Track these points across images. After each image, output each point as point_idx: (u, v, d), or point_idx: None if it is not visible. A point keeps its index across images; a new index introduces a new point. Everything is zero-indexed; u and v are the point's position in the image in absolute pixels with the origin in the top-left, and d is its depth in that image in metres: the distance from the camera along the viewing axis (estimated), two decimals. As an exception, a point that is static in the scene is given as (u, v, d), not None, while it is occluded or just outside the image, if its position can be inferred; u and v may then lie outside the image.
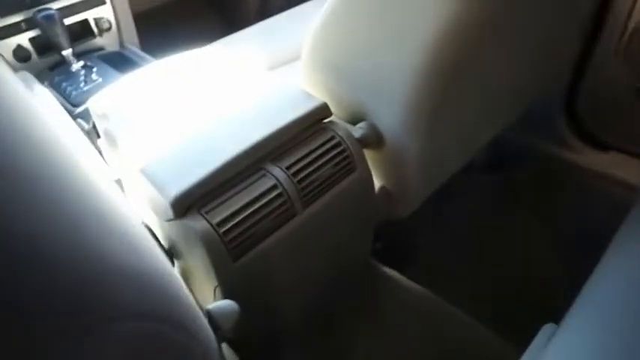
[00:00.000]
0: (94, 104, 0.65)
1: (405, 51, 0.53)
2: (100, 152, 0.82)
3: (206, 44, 1.20)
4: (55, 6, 1.02)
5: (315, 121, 0.59)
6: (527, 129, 0.99)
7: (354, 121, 0.67)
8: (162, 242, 0.59)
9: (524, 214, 1.04)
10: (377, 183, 0.69)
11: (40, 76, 1.01)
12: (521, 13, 0.57)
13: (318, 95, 0.69)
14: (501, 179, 1.10)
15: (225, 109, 0.60)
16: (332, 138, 0.58)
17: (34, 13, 0.97)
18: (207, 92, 0.64)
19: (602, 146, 0.98)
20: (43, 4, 1.00)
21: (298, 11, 1.22)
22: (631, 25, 0.81)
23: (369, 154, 0.64)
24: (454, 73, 0.56)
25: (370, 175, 0.63)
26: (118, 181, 0.73)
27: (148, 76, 0.68)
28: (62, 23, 0.96)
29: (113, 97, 0.65)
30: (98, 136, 0.82)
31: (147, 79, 0.68)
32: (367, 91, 0.62)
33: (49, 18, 0.94)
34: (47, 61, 1.04)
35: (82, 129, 0.84)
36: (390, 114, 0.61)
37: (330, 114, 0.61)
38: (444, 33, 0.50)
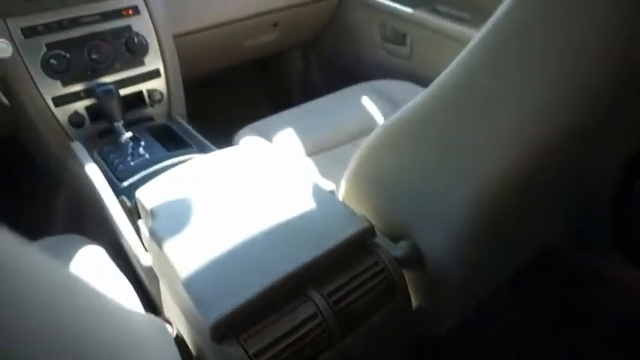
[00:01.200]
0: (142, 196, 0.67)
1: (463, 185, 0.53)
2: (138, 231, 0.84)
3: (250, 119, 1.24)
4: (113, 78, 1.07)
5: (359, 242, 0.59)
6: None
7: (393, 237, 0.66)
8: (192, 349, 0.58)
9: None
10: (414, 301, 0.67)
11: (90, 143, 1.05)
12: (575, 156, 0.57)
13: (359, 208, 0.69)
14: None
15: (269, 220, 0.60)
16: (376, 263, 0.58)
17: (94, 86, 1.02)
18: (253, 197, 0.65)
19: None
20: (104, 75, 1.06)
21: (339, 96, 1.25)
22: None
23: (407, 274, 0.63)
24: (507, 212, 0.55)
25: (409, 300, 0.61)
26: (150, 269, 0.74)
27: (196, 172, 0.70)
28: (118, 97, 1.01)
29: (161, 192, 0.67)
30: (139, 216, 0.83)
31: (194, 176, 0.69)
32: (415, 213, 0.61)
33: (108, 93, 0.99)
34: (98, 127, 1.09)
35: (124, 206, 0.86)
36: (437, 239, 0.60)
37: (374, 235, 0.61)
38: (504, 177, 0.50)
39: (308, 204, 0.63)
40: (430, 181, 0.56)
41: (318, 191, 0.66)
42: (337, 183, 0.93)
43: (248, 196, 0.65)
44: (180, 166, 0.72)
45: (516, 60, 0.45)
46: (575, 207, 0.76)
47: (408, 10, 1.29)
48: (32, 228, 1.30)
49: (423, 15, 1.26)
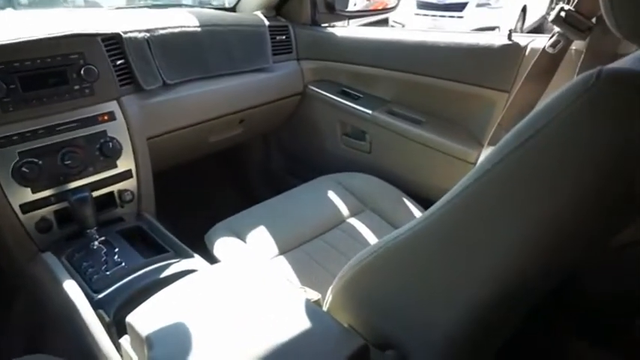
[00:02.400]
0: (135, 322, 0.67)
1: (453, 308, 0.58)
2: (118, 348, 0.82)
3: (215, 209, 1.26)
4: (85, 181, 1.07)
5: None
6: None
7: (378, 344, 0.70)
8: None
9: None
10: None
11: (58, 248, 1.02)
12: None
13: (346, 317, 0.73)
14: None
15: (266, 346, 0.62)
16: None
17: (68, 193, 1.02)
18: (247, 318, 0.67)
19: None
20: (76, 180, 1.06)
21: (305, 190, 1.31)
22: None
23: None
24: (490, 332, 0.61)
25: None
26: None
27: (187, 293, 0.71)
28: (93, 203, 1.01)
29: (154, 317, 0.67)
30: (118, 333, 0.82)
31: (186, 297, 0.70)
32: (403, 329, 0.66)
33: (83, 200, 0.99)
34: (66, 232, 1.07)
35: (103, 321, 0.84)
36: (425, 350, 0.64)
37: (368, 352, 0.64)
38: (489, 297, 0.56)
39: (300, 324, 0.66)
40: (421, 305, 0.62)
41: (307, 308, 0.69)
42: (313, 281, 0.97)
43: (241, 317, 0.67)
44: (171, 287, 0.73)
45: (498, 206, 0.52)
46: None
47: (367, 111, 1.42)
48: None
49: (381, 116, 1.39)
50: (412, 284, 0.62)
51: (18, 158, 0.98)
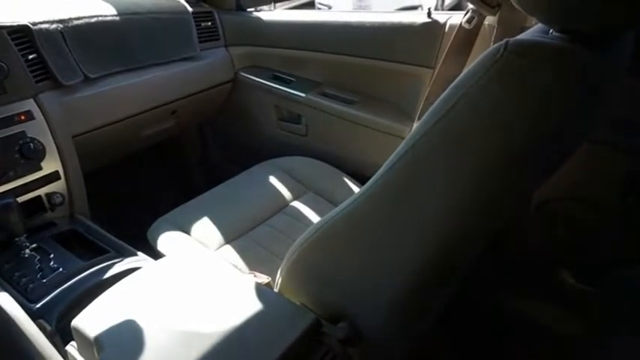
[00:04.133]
0: (81, 325, 0.65)
1: (396, 274, 0.62)
2: (65, 356, 0.79)
3: (155, 206, 1.23)
4: (7, 187, 1.00)
5: (309, 336, 0.65)
6: None
7: (330, 318, 0.73)
8: None
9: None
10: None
11: (-16, 261, 0.96)
12: None
13: (297, 297, 0.75)
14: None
15: (219, 332, 0.63)
16: (327, 352, 0.64)
17: None
18: (196, 309, 0.67)
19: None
20: (-4, 185, 0.99)
21: (246, 177, 1.31)
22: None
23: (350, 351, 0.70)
24: (435, 291, 0.66)
25: None
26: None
27: (132, 290, 0.70)
28: (19, 209, 0.95)
29: (100, 318, 0.65)
30: (64, 341, 0.79)
31: (132, 295, 0.69)
32: (353, 299, 0.69)
33: (7, 207, 0.93)
34: (-8, 241, 1.00)
35: (44, 331, 0.80)
36: (375, 321, 0.68)
37: (321, 326, 0.67)
38: (428, 260, 0.60)
39: (252, 307, 0.67)
40: (366, 273, 0.65)
41: (258, 291, 0.71)
42: (262, 266, 0.98)
43: (192, 309, 0.67)
44: (115, 286, 0.71)
45: (426, 176, 0.56)
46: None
47: (300, 94, 1.43)
48: None
49: (314, 98, 1.41)
50: (357, 256, 0.65)
51: None
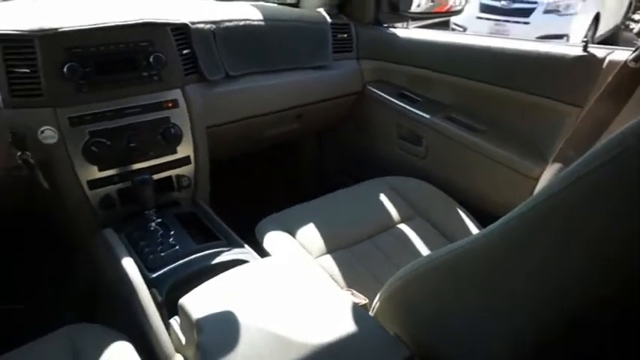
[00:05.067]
0: (187, 305, 0.69)
1: (510, 327, 0.56)
2: (167, 327, 0.85)
3: (266, 201, 1.27)
4: (147, 164, 1.12)
5: None
6: None
7: (425, 357, 0.68)
8: None
9: None
10: None
11: (118, 225, 1.07)
12: None
13: (392, 325, 0.72)
14: None
15: (313, 344, 0.62)
16: None
17: (130, 173, 1.07)
18: (295, 314, 0.67)
19: None
20: (138, 162, 1.11)
21: (357, 191, 1.31)
22: None
23: None
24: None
25: None
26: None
27: (239, 283, 0.73)
28: (153, 186, 1.05)
29: (206, 302, 0.69)
30: (169, 313, 0.84)
31: (238, 287, 0.72)
32: (454, 342, 0.64)
33: (144, 182, 1.03)
34: (126, 210, 1.12)
35: (155, 300, 0.87)
36: None
37: None
38: (549, 321, 0.53)
39: (347, 327, 0.66)
40: (474, 321, 0.60)
41: (354, 312, 0.69)
42: (359, 284, 0.96)
43: (289, 314, 0.67)
44: (223, 275, 0.75)
45: (555, 237, 0.49)
46: None
47: (425, 115, 1.39)
48: (43, 309, 1.30)
49: (439, 122, 1.36)
50: (467, 301, 0.60)
51: (88, 137, 1.03)
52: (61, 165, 1.02)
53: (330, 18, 1.49)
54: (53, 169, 1.02)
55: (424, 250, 1.10)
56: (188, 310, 0.68)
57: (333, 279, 1.00)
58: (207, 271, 0.89)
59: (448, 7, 1.89)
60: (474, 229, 1.15)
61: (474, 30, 5.63)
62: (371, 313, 0.76)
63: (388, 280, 0.73)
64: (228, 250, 0.99)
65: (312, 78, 1.43)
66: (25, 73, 0.97)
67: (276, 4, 1.57)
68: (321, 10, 1.52)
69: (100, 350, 0.78)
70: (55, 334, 0.81)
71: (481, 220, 1.18)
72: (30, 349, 0.79)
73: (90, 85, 1.02)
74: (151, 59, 1.09)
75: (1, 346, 0.81)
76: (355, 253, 1.09)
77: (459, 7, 1.71)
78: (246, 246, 1.03)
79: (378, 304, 0.75)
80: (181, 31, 1.18)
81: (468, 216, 1.20)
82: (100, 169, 1.06)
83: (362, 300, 0.78)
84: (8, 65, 0.95)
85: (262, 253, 1.05)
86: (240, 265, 0.92)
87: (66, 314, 1.25)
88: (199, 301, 0.69)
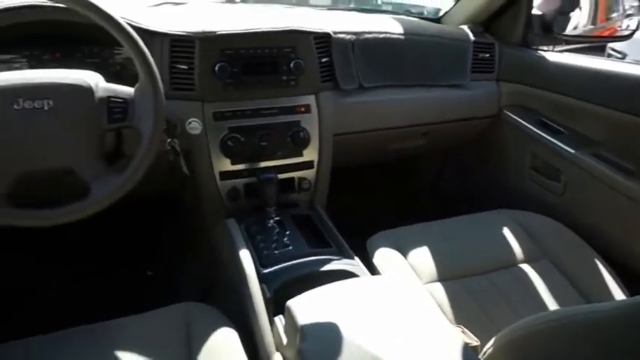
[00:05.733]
0: (294, 308, 0.70)
1: None
2: (271, 325, 0.87)
3: (378, 213, 1.25)
4: (273, 164, 1.17)
5: None
6: None
7: None
8: None
9: None
10: None
11: (240, 217, 1.14)
12: None
13: None
14: None
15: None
16: None
17: (257, 171, 1.13)
18: (399, 338, 0.65)
19: None
20: (266, 160, 1.17)
21: (476, 220, 1.23)
22: None
23: None
24: None
25: None
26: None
27: (347, 296, 0.72)
28: (277, 185, 1.10)
29: (312, 309, 0.69)
30: (275, 311, 0.87)
31: (345, 300, 0.71)
32: None
33: (270, 180, 1.08)
34: (249, 204, 1.18)
35: (264, 296, 0.91)
36: None
37: None
38: None
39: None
40: None
41: (464, 354, 0.64)
42: (469, 322, 0.90)
43: (395, 340, 0.65)
44: (333, 285, 0.75)
45: None
46: None
47: (568, 148, 1.25)
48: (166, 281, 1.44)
49: (584, 158, 1.21)
50: None
51: (227, 132, 1.11)
52: (200, 155, 1.12)
53: (474, 36, 1.43)
54: (193, 157, 1.12)
55: (549, 300, 0.99)
56: (295, 314, 0.69)
57: (442, 310, 0.95)
58: (317, 277, 0.90)
59: (612, 30, 1.68)
60: (614, 287, 1.01)
61: (635, 58, 4.97)
62: (480, 357, 0.70)
63: (504, 324, 0.66)
64: (338, 259, 0.99)
65: (446, 96, 1.38)
66: (184, 69, 1.08)
67: (417, 19, 1.55)
68: (465, 28, 1.46)
69: (209, 332, 0.83)
70: (173, 308, 0.89)
71: (624, 277, 1.03)
72: (148, 317, 0.87)
73: (235, 85, 1.10)
74: (292, 65, 1.14)
75: (124, 307, 0.91)
76: (468, 287, 1.02)
77: (626, 32, 1.50)
78: (356, 258, 1.02)
79: (491, 349, 0.69)
80: (323, 39, 1.21)
81: (607, 269, 1.05)
82: (232, 163, 1.14)
83: (473, 341, 0.72)
84: (172, 61, 1.07)
85: (370, 267, 1.03)
86: (348, 276, 0.92)
87: (186, 290, 1.37)
88: (307, 307, 0.70)
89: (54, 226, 0.81)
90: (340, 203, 1.36)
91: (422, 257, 1.07)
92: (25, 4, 0.96)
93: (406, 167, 1.80)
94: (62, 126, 0.78)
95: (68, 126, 0.78)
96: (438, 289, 1.00)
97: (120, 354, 0.78)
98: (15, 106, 0.75)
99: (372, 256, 1.06)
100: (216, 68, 1.07)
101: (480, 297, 0.99)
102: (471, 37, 1.42)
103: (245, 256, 0.98)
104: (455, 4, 1.53)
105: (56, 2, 0.80)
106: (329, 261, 0.98)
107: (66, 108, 0.78)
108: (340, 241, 1.07)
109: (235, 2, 1.83)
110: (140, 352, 0.78)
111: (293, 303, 0.71)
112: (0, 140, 0.75)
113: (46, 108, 0.76)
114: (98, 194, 0.81)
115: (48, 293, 1.45)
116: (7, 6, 0.95)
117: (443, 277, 1.03)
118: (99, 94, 0.80)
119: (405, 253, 1.08)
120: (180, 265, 1.47)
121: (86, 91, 0.79)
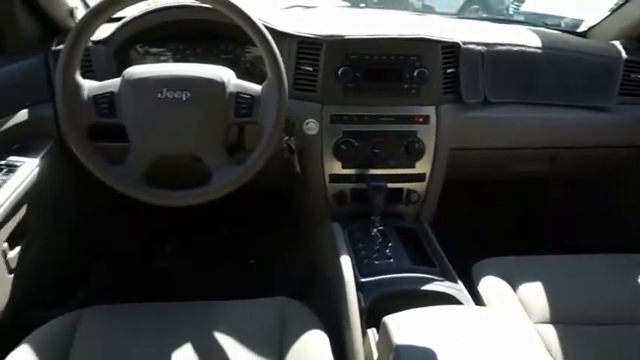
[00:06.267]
0: (391, 326, 0.68)
1: None
2: (364, 334, 0.86)
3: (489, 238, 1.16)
4: (384, 172, 1.15)
5: None
6: None
7: None
8: None
9: None
10: None
11: (344, 222, 1.14)
12: None
13: None
14: None
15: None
16: None
17: (367, 178, 1.12)
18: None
19: None
20: (377, 167, 1.15)
21: (605, 260, 1.09)
22: None
23: None
24: None
25: None
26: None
27: (448, 323, 0.68)
28: (385, 195, 1.08)
29: (409, 330, 0.66)
30: (370, 322, 0.85)
31: (445, 327, 0.67)
32: None
33: (379, 189, 1.07)
34: (355, 209, 1.18)
35: (359, 304, 0.89)
36: None
37: None
38: None
39: None
40: None
41: None
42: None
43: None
44: (435, 308, 0.71)
45: None
46: None
47: None
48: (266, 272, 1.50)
49: None
50: None
51: (341, 135, 1.12)
52: (313, 155, 1.14)
53: (627, 54, 1.26)
54: (306, 157, 1.14)
55: None
56: (391, 332, 0.67)
57: (551, 355, 0.85)
58: (416, 296, 0.86)
59: None
60: None
61: None
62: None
63: None
64: (441, 281, 0.94)
65: (584, 119, 1.23)
66: (308, 70, 1.10)
67: (559, 32, 1.41)
68: (616, 43, 1.29)
69: (302, 331, 0.83)
70: (272, 300, 0.91)
71: None
72: (248, 304, 0.90)
73: (355, 89, 1.10)
74: (415, 73, 1.11)
75: (222, 288, 0.95)
76: (586, 335, 0.90)
77: None
78: (459, 282, 0.96)
79: None
80: (451, 49, 1.16)
81: None
82: (343, 166, 1.15)
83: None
84: (297, 62, 1.10)
85: (474, 295, 0.96)
86: (450, 301, 0.87)
87: (283, 284, 1.41)
88: (404, 327, 0.67)
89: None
90: (447, 219, 1.29)
91: (534, 293, 0.97)
92: (176, 4, 1.06)
93: (526, 190, 1.66)
94: (196, 116, 0.84)
95: (201, 117, 0.84)
96: (550, 331, 0.89)
97: (218, 335, 0.82)
98: (159, 95, 0.82)
99: (478, 284, 0.99)
100: (339, 72, 1.08)
101: (598, 350, 0.87)
102: (624, 54, 1.26)
103: (345, 262, 0.98)
104: (607, 16, 1.36)
105: (202, 2, 0.86)
106: (431, 281, 0.94)
107: (201, 100, 0.84)
108: (445, 262, 1.02)
109: (360, 7, 1.84)
110: (236, 337, 0.82)
111: (391, 320, 0.69)
112: (144, 124, 0.84)
113: (184, 98, 0.83)
114: (219, 182, 0.86)
115: (163, 264, 1.60)
116: (161, 5, 1.06)
117: (557, 320, 0.92)
118: (230, 89, 0.85)
119: (514, 286, 0.99)
120: (281, 259, 1.52)
121: (219, 86, 0.84)
